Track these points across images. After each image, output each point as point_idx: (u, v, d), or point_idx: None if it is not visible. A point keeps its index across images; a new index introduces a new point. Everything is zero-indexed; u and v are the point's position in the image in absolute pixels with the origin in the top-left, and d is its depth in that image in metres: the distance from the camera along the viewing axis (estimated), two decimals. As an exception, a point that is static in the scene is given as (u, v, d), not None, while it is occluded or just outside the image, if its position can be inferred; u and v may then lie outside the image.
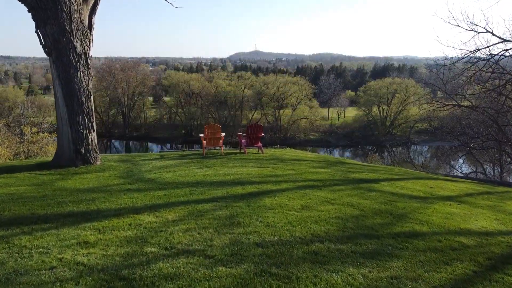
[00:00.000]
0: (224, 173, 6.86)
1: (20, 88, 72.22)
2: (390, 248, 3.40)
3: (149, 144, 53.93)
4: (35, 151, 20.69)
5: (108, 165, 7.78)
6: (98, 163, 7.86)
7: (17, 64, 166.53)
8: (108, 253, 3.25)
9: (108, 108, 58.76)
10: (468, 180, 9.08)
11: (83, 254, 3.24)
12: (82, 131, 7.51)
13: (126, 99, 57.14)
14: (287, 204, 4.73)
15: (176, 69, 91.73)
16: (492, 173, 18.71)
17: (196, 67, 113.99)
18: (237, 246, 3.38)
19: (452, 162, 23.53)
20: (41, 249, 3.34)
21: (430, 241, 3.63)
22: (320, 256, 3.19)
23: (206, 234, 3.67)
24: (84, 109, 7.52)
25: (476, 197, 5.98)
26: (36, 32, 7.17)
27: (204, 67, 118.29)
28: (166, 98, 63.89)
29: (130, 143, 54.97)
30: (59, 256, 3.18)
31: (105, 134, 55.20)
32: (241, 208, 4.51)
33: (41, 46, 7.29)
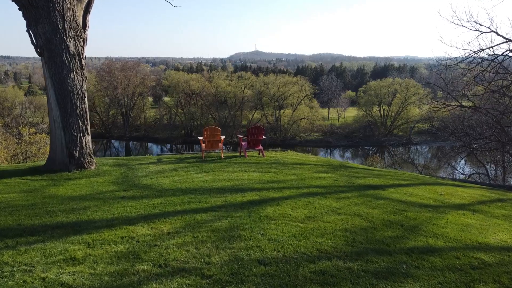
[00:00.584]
0: (223, 179, 6.57)
1: (20, 88, 71.84)
2: (404, 266, 3.12)
3: (149, 144, 53.63)
4: (33, 152, 20.38)
5: (103, 170, 7.49)
6: (93, 167, 7.57)
7: (17, 64, 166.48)
8: (97, 271, 2.98)
9: (108, 108, 58.53)
10: (477, 185, 8.77)
11: (69, 272, 2.97)
12: (75, 134, 7.21)
13: (126, 99, 56.86)
14: (290, 214, 4.45)
15: (176, 69, 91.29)
16: (494, 174, 18.44)
17: (196, 67, 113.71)
18: (237, 263, 3.10)
19: (453, 163, 23.29)
20: (24, 267, 3.08)
21: (448, 258, 3.34)
22: (329, 276, 2.91)
23: (204, 249, 3.39)
24: (78, 112, 7.22)
25: (489, 205, 5.68)
26: (28, 31, 6.86)
27: (204, 67, 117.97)
28: (166, 98, 63.61)
29: (130, 143, 54.67)
30: (43, 275, 2.92)
31: (104, 135, 54.97)
32: (242, 219, 4.23)
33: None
